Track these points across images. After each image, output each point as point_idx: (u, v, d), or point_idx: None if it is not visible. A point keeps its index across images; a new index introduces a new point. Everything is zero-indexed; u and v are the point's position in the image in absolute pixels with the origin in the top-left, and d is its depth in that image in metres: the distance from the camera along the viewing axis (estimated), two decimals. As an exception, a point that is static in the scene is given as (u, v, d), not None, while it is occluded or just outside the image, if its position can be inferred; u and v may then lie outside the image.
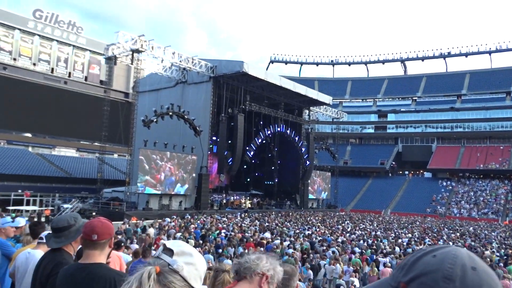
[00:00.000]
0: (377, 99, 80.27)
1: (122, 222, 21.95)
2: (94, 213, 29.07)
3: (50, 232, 3.08)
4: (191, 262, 1.31)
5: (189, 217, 28.04)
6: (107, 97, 37.78)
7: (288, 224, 26.67)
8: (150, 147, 31.51)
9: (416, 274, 0.82)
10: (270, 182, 50.17)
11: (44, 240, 3.50)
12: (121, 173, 48.37)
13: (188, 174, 34.43)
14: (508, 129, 67.80)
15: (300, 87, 43.63)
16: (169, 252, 1.31)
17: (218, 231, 19.31)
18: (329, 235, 21.04)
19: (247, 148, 39.59)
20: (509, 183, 60.61)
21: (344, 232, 23.26)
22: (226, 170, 40.21)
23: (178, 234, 17.72)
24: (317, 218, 34.67)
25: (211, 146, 38.45)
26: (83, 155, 55.12)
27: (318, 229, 24.16)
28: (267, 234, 18.93)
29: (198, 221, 24.75)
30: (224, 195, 43.13)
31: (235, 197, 42.53)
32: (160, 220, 24.99)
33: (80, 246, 2.76)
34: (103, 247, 2.50)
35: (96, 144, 48.29)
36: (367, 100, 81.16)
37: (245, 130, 38.10)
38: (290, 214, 37.29)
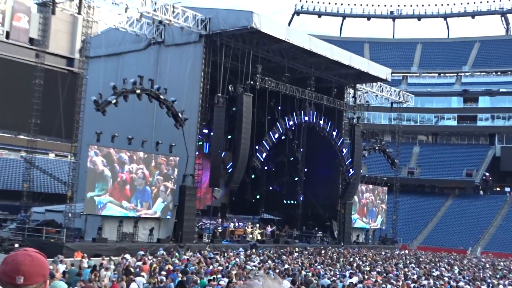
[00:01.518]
0: (462, 73, 79.72)
1: (56, 260, 22.04)
2: (17, 245, 29.24)
3: None
4: None
5: (164, 253, 27.98)
6: (40, 65, 37.89)
7: (319, 267, 26.51)
8: (105, 143, 31.54)
9: None
10: (292, 202, 50.00)
11: None
12: (60, 183, 48.51)
13: (166, 186, 34.58)
14: None
15: (342, 53, 43.51)
16: None
17: (213, 276, 19.32)
18: (383, 286, 20.94)
19: (257, 147, 39.48)
20: None
21: (408, 282, 23.12)
22: (224, 181, 40.11)
23: (142, 280, 17.87)
24: (365, 259, 34.42)
25: (200, 143, 38.37)
26: (1, 154, 55.55)
27: (366, 277, 23.97)
28: (286, 283, 18.89)
29: (178, 261, 24.67)
30: (220, 220, 42.95)
31: (236, 224, 42.51)
32: (118, 258, 25.05)
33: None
34: (33, 296, 2.47)
35: (21, 137, 48.55)
36: (447, 74, 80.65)
37: (254, 119, 38.00)
38: (323, 252, 37.11)
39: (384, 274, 26.17)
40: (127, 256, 25.16)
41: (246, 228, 42.00)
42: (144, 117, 35.55)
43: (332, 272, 24.97)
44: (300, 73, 43.75)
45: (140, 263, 23.38)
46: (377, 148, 51.65)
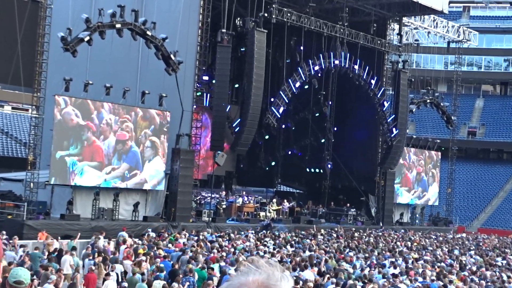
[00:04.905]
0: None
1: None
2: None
3: None
4: None
5: (153, 234, 28.42)
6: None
7: (351, 254, 26.78)
8: (76, 93, 31.60)
9: None
10: (318, 170, 50.21)
11: None
12: (19, 145, 48.80)
13: (156, 144, 34.73)
14: None
15: (384, -25, 43.07)
16: None
17: (214, 265, 19.51)
18: (434, 277, 21.07)
19: (272, 99, 39.49)
20: None
21: (464, 274, 23.26)
22: (230, 144, 40.19)
23: (120, 268, 18.46)
24: (410, 244, 34.65)
25: (199, 93, 38.31)
26: None
27: (411, 266, 24.22)
28: (308, 273, 19.00)
29: (171, 244, 25.14)
30: (224, 193, 43.19)
31: (245, 199, 42.78)
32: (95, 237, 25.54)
33: None
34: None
35: (-31, 85, 48.63)
36: (522, 5, 79.44)
37: (268, 63, 37.87)
38: (357, 234, 37.48)
39: (435, 263, 26.39)
40: (101, 237, 25.55)
41: (257, 203, 42.20)
42: (126, 59, 35.48)
43: (368, 261, 25.23)
44: (330, 3, 43.36)
45: (122, 247, 23.69)
46: (428, 101, 51.27)
